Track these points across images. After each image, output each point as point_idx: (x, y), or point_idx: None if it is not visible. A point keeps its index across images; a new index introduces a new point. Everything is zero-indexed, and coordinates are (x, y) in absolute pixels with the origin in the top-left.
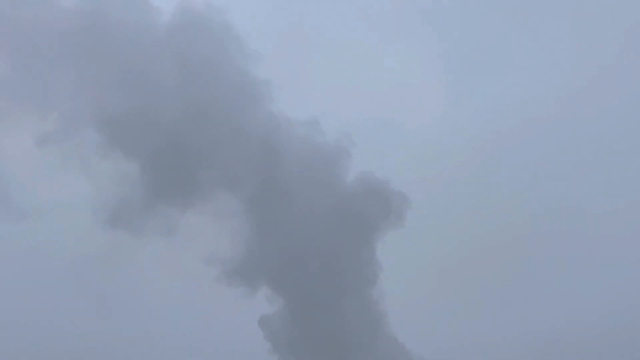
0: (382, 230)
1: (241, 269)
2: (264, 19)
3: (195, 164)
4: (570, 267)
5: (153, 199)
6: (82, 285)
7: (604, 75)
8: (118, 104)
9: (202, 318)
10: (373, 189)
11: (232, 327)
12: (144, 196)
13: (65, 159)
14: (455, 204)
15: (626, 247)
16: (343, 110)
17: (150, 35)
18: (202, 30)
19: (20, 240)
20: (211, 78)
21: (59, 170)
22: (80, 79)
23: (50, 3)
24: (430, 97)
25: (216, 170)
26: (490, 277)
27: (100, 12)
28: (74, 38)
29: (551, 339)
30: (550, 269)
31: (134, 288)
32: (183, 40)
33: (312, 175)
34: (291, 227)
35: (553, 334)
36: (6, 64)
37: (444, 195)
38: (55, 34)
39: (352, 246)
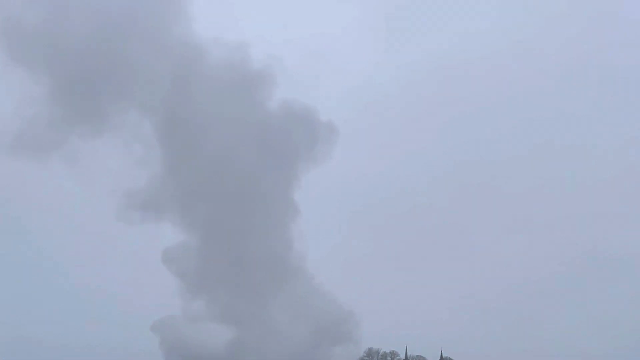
0: (306, 163)
1: (147, 201)
2: None
3: (105, 86)
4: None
5: (60, 125)
6: None
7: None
8: (26, 17)
9: (108, 253)
10: (298, 117)
11: (139, 262)
12: (50, 121)
13: None
14: (387, 143)
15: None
16: (274, 37)
17: None
18: None
19: None
20: None
21: None
22: None
23: None
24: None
25: (126, 93)
26: (419, 229)
27: None
28: None
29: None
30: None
31: (34, 220)
32: None
33: (231, 100)
34: (204, 156)
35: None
36: None
37: (374, 133)
38: None
39: (272, 178)
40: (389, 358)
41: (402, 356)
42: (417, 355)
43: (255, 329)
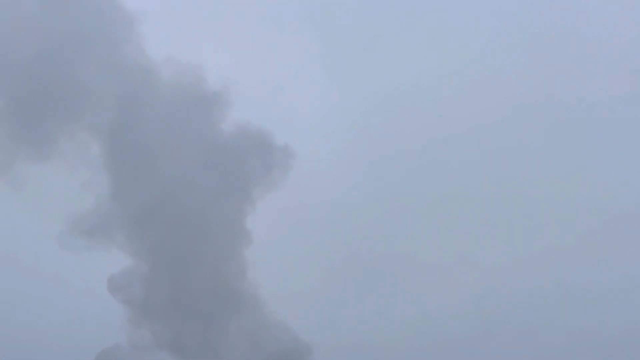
0: (260, 188)
1: (94, 227)
2: None
3: (52, 108)
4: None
5: (5, 148)
6: None
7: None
8: None
9: (52, 281)
10: (253, 141)
11: (84, 290)
12: None
13: None
14: (345, 171)
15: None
16: (229, 61)
17: None
18: None
19: None
20: (75, 10)
21: None
22: None
23: None
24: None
25: (74, 115)
26: (378, 258)
27: None
28: None
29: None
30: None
31: None
32: None
33: (182, 123)
34: (154, 180)
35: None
36: None
37: (332, 160)
38: None
39: (224, 204)
40: None
41: None
42: None
43: (204, 359)
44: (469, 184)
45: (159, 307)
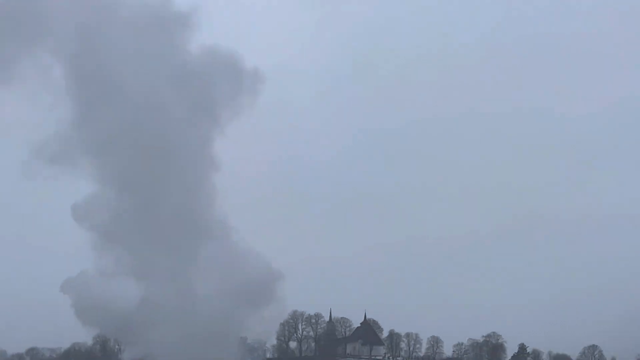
0: (228, 113)
1: (57, 153)
2: None
3: (13, 31)
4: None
5: None
6: None
7: None
8: None
9: (14, 211)
10: (222, 63)
11: (47, 218)
12: None
13: None
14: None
15: None
16: None
17: None
18: None
19: None
20: None
21: None
22: None
23: None
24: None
25: (36, 39)
26: (346, 188)
27: None
28: None
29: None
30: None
31: None
32: None
33: (146, 45)
34: (119, 104)
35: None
36: None
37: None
38: None
39: (193, 129)
40: (313, 320)
41: (327, 318)
42: (341, 317)
43: (168, 286)
44: (445, 114)
45: (124, 235)
